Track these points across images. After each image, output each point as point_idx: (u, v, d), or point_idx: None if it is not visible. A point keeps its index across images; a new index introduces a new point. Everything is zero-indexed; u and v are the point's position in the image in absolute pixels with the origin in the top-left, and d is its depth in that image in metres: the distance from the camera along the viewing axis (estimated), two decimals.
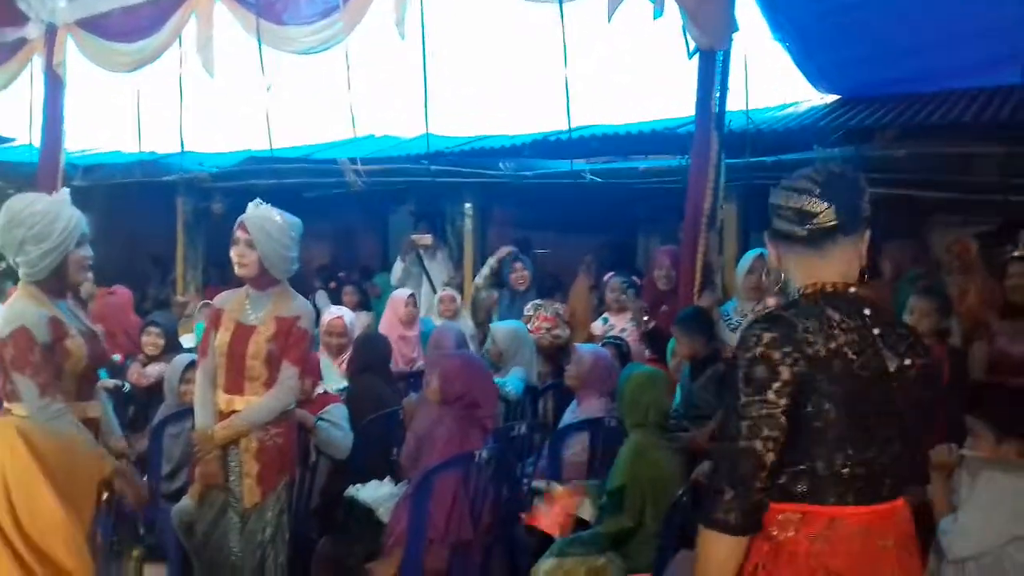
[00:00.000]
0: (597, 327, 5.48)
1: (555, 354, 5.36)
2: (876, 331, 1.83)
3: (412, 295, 5.87)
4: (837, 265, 1.86)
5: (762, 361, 1.76)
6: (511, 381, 4.79)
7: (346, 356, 5.10)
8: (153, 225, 9.08)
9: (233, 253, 3.48)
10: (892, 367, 1.81)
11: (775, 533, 1.80)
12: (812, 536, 1.77)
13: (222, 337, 3.48)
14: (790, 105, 6.90)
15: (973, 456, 2.62)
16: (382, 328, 5.40)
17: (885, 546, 1.81)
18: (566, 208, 6.86)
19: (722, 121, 4.73)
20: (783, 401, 1.75)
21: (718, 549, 1.79)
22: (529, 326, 5.33)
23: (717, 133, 4.65)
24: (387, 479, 4.08)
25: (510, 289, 6.19)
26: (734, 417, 1.78)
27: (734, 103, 5.02)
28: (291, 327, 3.45)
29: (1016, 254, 4.22)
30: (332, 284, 7.75)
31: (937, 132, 5.36)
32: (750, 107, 5.64)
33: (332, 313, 5.15)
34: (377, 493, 3.96)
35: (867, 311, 1.85)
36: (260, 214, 3.47)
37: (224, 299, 3.61)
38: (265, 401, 3.41)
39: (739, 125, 5.42)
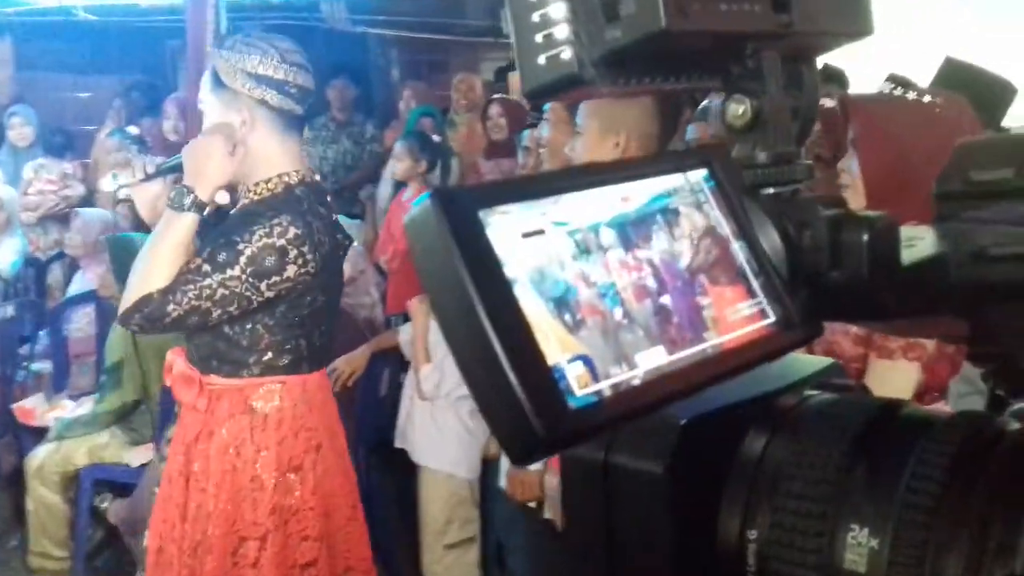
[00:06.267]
0: (105, 184, 4.96)
1: (68, 219, 4.81)
2: (334, 217, 1.93)
3: None
4: (297, 151, 1.89)
5: (276, 252, 1.74)
6: (3, 255, 4.24)
7: None
8: None
9: None
10: (341, 249, 1.96)
11: (258, 406, 1.88)
12: (294, 402, 1.89)
13: None
14: None
15: None
16: None
17: (328, 397, 2.02)
18: (82, 46, 6.02)
19: None
20: (269, 294, 1.77)
21: None
22: (30, 190, 4.71)
23: None
24: None
25: (12, 147, 5.38)
26: (210, 274, 1.73)
27: None
28: None
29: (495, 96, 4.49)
30: None
31: None
32: None
33: None
34: None
35: (329, 198, 1.94)
36: None
37: None
38: None
39: None
